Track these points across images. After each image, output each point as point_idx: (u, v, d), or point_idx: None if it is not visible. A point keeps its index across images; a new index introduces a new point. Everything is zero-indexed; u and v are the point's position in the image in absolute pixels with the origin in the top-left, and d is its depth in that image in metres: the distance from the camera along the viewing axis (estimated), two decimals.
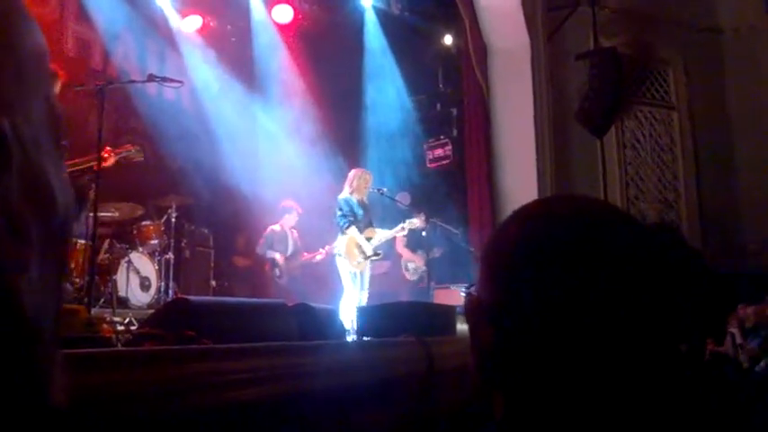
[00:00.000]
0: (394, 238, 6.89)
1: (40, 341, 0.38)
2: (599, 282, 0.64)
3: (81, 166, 4.47)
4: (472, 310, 0.73)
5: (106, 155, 4.59)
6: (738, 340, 6.07)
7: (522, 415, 0.68)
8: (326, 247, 6.95)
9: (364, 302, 6.04)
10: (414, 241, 7.31)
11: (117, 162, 4.69)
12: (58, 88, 4.06)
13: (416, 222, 6.39)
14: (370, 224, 6.33)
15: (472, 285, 0.79)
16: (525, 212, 0.74)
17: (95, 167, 4.49)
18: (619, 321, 0.64)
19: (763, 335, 5.96)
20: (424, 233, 6.64)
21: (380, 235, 6.33)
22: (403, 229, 6.40)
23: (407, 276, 7.55)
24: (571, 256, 0.66)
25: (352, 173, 6.41)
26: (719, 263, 7.03)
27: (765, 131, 8.04)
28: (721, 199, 7.84)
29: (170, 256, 6.01)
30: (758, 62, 8.14)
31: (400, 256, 7.63)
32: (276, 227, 7.15)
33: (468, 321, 0.74)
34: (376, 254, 6.27)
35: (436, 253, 7.26)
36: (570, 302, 0.64)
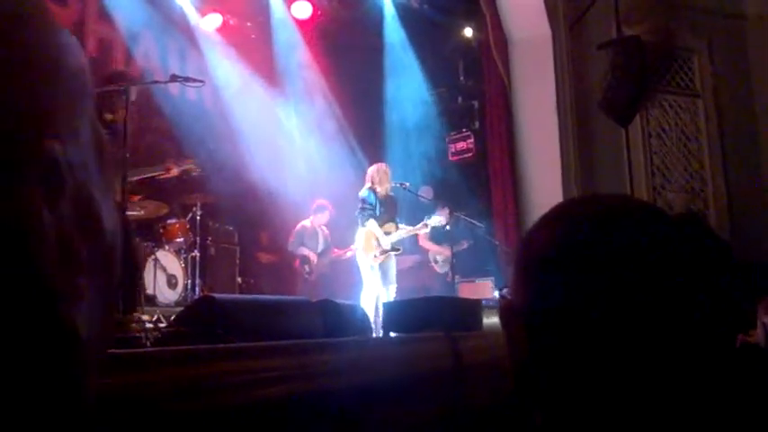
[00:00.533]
0: (416, 234, 6.89)
1: (89, 368, 0.40)
2: (631, 284, 0.63)
3: (145, 175, 4.82)
4: (507, 314, 0.72)
5: (171, 166, 5.01)
6: None
7: (561, 423, 0.67)
8: (352, 248, 6.98)
9: (391, 297, 6.04)
10: (438, 235, 7.30)
11: (179, 175, 5.05)
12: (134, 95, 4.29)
13: (438, 219, 6.39)
14: (392, 219, 6.33)
15: (505, 287, 0.78)
16: (556, 214, 0.73)
17: (161, 176, 4.99)
18: (653, 322, 0.63)
19: None
20: (448, 227, 6.63)
21: (402, 231, 6.32)
22: (426, 226, 6.40)
23: (437, 269, 7.54)
24: (602, 257, 0.65)
25: (372, 168, 6.41)
26: (747, 252, 6.92)
27: None
28: (749, 187, 7.70)
29: (196, 253, 6.06)
30: None
31: (426, 251, 7.63)
32: (307, 222, 7.18)
33: (503, 326, 0.72)
34: (395, 249, 6.25)
35: (464, 245, 7.24)
36: (602, 306, 0.63)
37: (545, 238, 0.71)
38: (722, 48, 7.86)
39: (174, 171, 5.00)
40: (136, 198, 4.98)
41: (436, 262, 7.55)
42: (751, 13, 8.00)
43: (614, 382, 0.63)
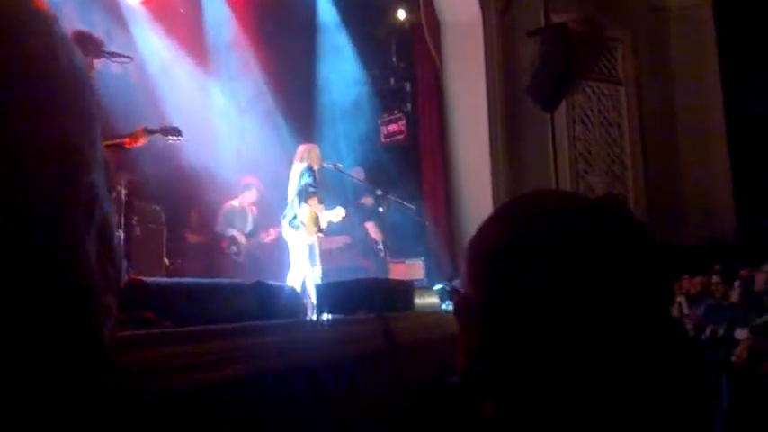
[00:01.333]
0: (365, 228, 6.86)
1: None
2: (570, 272, 0.66)
3: (108, 143, 4.42)
4: (461, 306, 0.74)
5: (138, 133, 4.65)
6: (685, 310, 6.32)
7: (511, 412, 0.70)
8: (277, 228, 6.90)
9: (318, 279, 6.03)
10: (373, 217, 7.31)
11: (148, 143, 4.71)
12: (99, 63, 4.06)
13: (344, 213, 6.33)
14: (321, 200, 6.28)
15: (453, 280, 0.81)
16: (503, 212, 0.76)
17: (124, 143, 4.62)
18: (599, 309, 0.66)
19: (708, 303, 6.22)
20: (381, 209, 6.66)
21: (325, 215, 6.25)
22: (337, 216, 6.30)
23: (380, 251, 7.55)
24: (544, 250, 0.68)
25: (302, 147, 6.31)
26: (664, 234, 7.28)
27: (708, 106, 8.31)
28: (667, 172, 8.10)
29: (121, 233, 5.87)
30: (702, 39, 8.37)
31: (374, 239, 7.60)
32: (235, 202, 7.06)
33: (457, 318, 0.75)
34: (321, 230, 6.20)
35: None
36: (546, 295, 0.66)
37: (494, 233, 0.73)
38: (646, 38, 8.19)
39: (143, 140, 4.67)
40: None
41: (381, 250, 7.58)
42: (674, 5, 8.36)
43: (561, 368, 0.66)
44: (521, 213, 0.75)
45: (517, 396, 0.69)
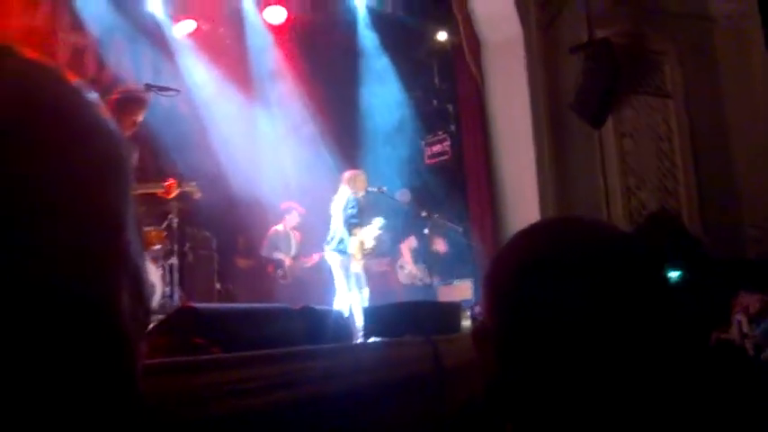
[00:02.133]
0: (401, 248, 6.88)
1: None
2: (599, 305, 0.65)
3: (144, 191, 4.84)
4: (478, 336, 0.74)
5: (170, 187, 5.06)
6: (745, 328, 6.08)
7: None
8: (320, 253, 6.98)
9: (365, 302, 6.04)
10: (420, 252, 7.31)
11: (178, 195, 5.09)
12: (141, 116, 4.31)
13: (383, 221, 6.38)
14: (367, 224, 6.33)
15: (477, 306, 0.81)
16: (523, 238, 0.75)
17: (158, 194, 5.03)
18: (620, 344, 0.65)
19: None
20: (426, 231, 6.65)
21: (367, 234, 6.29)
22: (377, 230, 6.35)
23: (400, 277, 7.54)
24: (569, 280, 0.67)
25: (347, 174, 6.37)
26: (720, 249, 7.04)
27: (760, 116, 8.05)
28: (720, 185, 7.85)
29: (173, 260, 5.99)
30: (749, 47, 8.14)
31: (401, 254, 7.63)
32: (279, 227, 7.16)
33: (475, 347, 0.74)
34: (370, 250, 6.26)
35: (443, 247, 7.25)
36: (570, 327, 0.65)
37: (510, 262, 0.72)
38: (691, 49, 8.01)
39: (175, 192, 5.06)
40: None
41: (402, 268, 7.56)
42: (717, 14, 8.17)
43: (583, 397, 0.65)
44: (536, 240, 0.74)
45: (534, 421, 0.68)
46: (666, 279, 0.71)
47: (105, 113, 0.49)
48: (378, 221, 6.36)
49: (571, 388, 0.66)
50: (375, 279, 6.98)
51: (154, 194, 5.03)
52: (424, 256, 7.29)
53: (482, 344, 0.73)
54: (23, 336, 0.41)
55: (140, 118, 4.34)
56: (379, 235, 6.44)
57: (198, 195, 5.45)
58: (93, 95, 0.49)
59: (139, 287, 0.50)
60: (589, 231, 0.73)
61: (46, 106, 0.45)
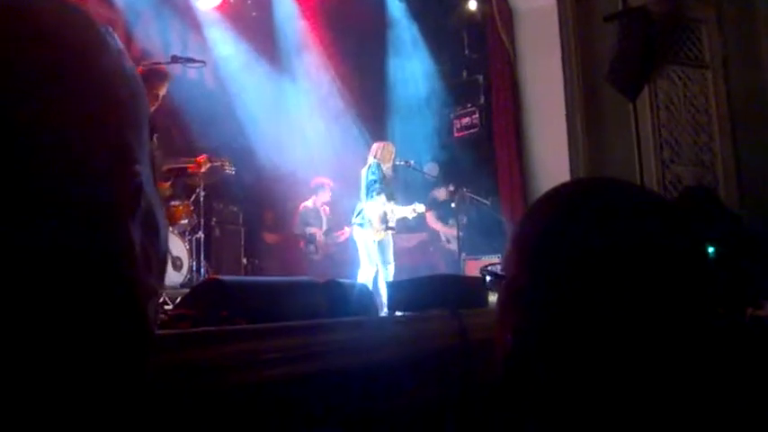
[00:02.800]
0: (424, 216, 6.86)
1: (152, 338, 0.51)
2: (631, 268, 0.64)
3: (175, 165, 4.95)
4: (506, 293, 0.72)
5: (201, 161, 5.15)
6: None
7: (555, 402, 0.68)
8: (350, 227, 6.96)
9: (390, 277, 6.01)
10: (446, 214, 7.26)
11: (209, 170, 5.20)
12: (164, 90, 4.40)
13: (422, 207, 6.34)
14: (392, 198, 6.28)
15: (489, 265, 0.78)
16: (556, 196, 0.73)
17: (188, 168, 5.15)
18: (653, 307, 0.63)
19: None
20: (453, 204, 6.58)
21: (397, 212, 6.26)
22: (414, 211, 6.31)
23: (450, 247, 7.50)
24: (603, 242, 0.65)
25: (376, 145, 6.35)
26: (758, 225, 6.85)
27: None
28: (759, 161, 7.61)
29: (200, 235, 6.04)
30: None
31: (436, 230, 7.59)
32: (309, 203, 7.16)
33: (499, 301, 0.73)
34: (392, 228, 6.20)
35: (463, 220, 7.19)
36: (604, 289, 0.64)
37: (545, 218, 0.71)
38: (731, 17, 7.72)
39: (206, 166, 5.14)
40: None
41: (448, 241, 7.51)
42: None
43: (612, 359, 0.64)
44: (571, 198, 0.72)
45: (566, 374, 0.66)
46: (700, 248, 0.69)
47: (127, 60, 0.51)
48: (419, 207, 6.32)
49: (602, 348, 0.64)
50: (409, 254, 6.95)
51: (185, 169, 5.07)
52: (447, 212, 7.24)
53: (508, 300, 0.72)
54: (28, 281, 0.41)
55: (163, 92, 4.37)
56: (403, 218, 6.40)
57: (231, 170, 5.50)
58: (116, 42, 0.51)
59: (151, 229, 0.50)
60: (624, 191, 0.71)
61: (73, 47, 0.47)
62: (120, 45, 0.51)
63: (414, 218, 6.56)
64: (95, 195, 0.44)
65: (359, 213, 6.12)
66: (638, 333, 0.63)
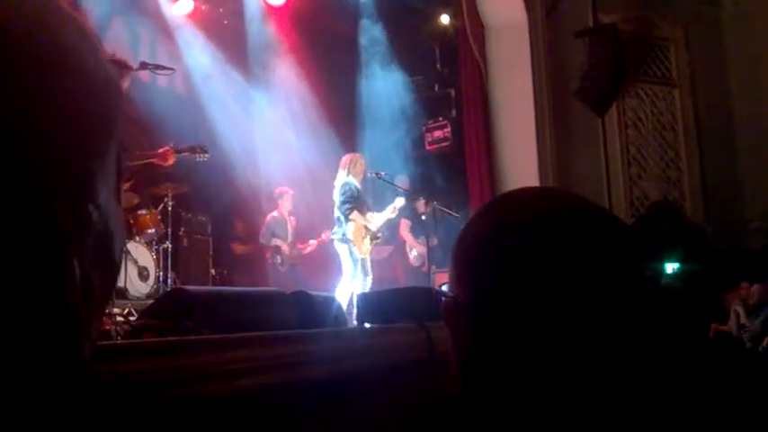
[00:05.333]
0: (398, 223, 6.85)
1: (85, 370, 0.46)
2: (573, 279, 0.63)
3: (137, 162, 4.56)
4: (449, 310, 0.71)
5: (168, 153, 4.69)
6: (743, 319, 6.02)
7: (506, 415, 0.67)
8: (317, 239, 6.94)
9: (368, 288, 5.98)
10: (415, 226, 7.26)
11: (178, 162, 4.82)
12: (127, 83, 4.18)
13: (402, 201, 6.36)
14: (368, 209, 6.27)
15: (442, 285, 0.78)
16: (491, 210, 0.73)
17: (154, 163, 4.67)
18: (596, 322, 0.63)
19: (766, 313, 5.92)
20: (423, 217, 6.58)
21: (377, 219, 6.25)
22: (395, 209, 6.33)
23: (411, 261, 7.49)
24: (543, 254, 0.64)
25: (347, 157, 6.31)
26: (722, 240, 6.98)
27: (767, 106, 7.95)
28: (724, 176, 7.77)
29: (168, 245, 5.94)
30: (758, 36, 8.03)
31: (404, 241, 7.58)
32: (275, 213, 7.10)
33: (446, 323, 0.72)
34: (376, 237, 6.21)
35: (434, 241, 7.21)
36: (547, 302, 0.63)
37: (481, 233, 0.70)
38: (698, 36, 7.90)
39: (173, 158, 4.71)
40: None
41: (412, 254, 7.51)
42: (726, 0, 8.05)
43: (562, 374, 0.63)
44: (496, 212, 0.72)
45: (512, 391, 0.66)
46: (637, 263, 0.67)
47: (105, 62, 0.47)
48: (398, 201, 6.31)
49: (544, 360, 0.64)
50: (379, 267, 6.93)
51: (151, 165, 4.77)
52: (416, 226, 7.25)
53: (451, 317, 0.71)
54: None
55: (126, 85, 4.20)
56: (386, 221, 6.40)
57: (204, 156, 5.20)
58: (95, 40, 0.46)
59: (103, 250, 0.45)
60: (556, 203, 0.70)
61: (53, 44, 0.42)
62: (99, 45, 0.47)
63: (388, 227, 6.56)
64: (40, 221, 0.40)
65: (341, 234, 6.09)
66: (579, 344, 0.63)
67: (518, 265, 0.64)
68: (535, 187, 0.83)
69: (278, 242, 6.97)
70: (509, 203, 0.73)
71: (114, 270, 0.49)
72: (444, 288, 4.96)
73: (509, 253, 0.66)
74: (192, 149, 5.03)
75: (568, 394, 0.63)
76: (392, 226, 6.81)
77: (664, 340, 0.67)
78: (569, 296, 0.63)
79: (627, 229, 0.68)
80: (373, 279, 6.29)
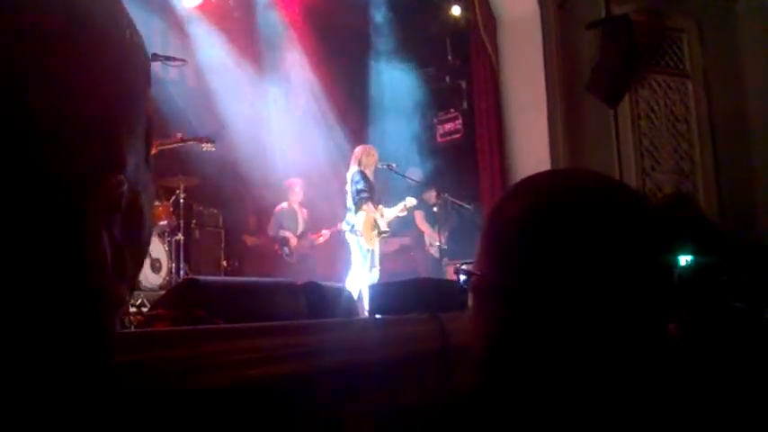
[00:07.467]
0: (413, 213, 6.87)
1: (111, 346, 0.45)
2: (603, 259, 0.62)
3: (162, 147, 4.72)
4: (478, 290, 0.70)
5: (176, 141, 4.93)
6: None
7: (528, 395, 0.66)
8: (330, 229, 6.94)
9: (375, 280, 6.00)
10: (430, 218, 7.27)
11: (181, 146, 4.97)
12: None
13: (413, 201, 6.36)
14: (379, 202, 6.29)
15: (464, 263, 0.77)
16: (524, 188, 0.72)
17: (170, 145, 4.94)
18: (624, 300, 0.63)
19: None
20: (435, 209, 6.58)
21: (387, 214, 6.27)
22: (404, 208, 6.34)
23: (432, 252, 7.49)
24: (573, 232, 0.64)
25: (359, 149, 6.33)
26: (737, 233, 6.92)
27: None
28: (738, 168, 7.70)
29: (180, 236, 5.98)
30: None
31: (422, 232, 7.59)
32: (284, 204, 7.13)
33: (473, 300, 0.71)
34: (385, 231, 6.22)
35: (445, 233, 7.21)
36: (575, 281, 0.62)
37: (515, 211, 0.69)
38: (712, 27, 7.82)
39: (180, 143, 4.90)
40: None
41: (431, 245, 7.51)
42: None
43: (584, 354, 0.63)
44: (536, 191, 0.70)
45: (540, 378, 0.65)
46: (668, 246, 0.67)
47: (139, 37, 0.47)
48: (410, 201, 6.33)
49: (572, 342, 0.63)
50: (390, 258, 6.93)
51: (163, 156, 4.90)
52: (430, 217, 7.24)
53: (482, 296, 0.69)
54: None
55: None
56: (396, 217, 6.41)
57: (211, 148, 5.32)
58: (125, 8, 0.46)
59: (133, 224, 0.44)
60: (591, 182, 0.70)
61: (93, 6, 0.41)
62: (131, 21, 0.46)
63: (400, 219, 6.57)
64: (68, 191, 0.39)
65: (351, 225, 6.12)
66: (605, 330, 0.62)
67: (560, 248, 0.64)
68: (568, 169, 0.83)
69: (286, 233, 7.00)
70: (541, 185, 0.71)
71: (144, 241, 0.48)
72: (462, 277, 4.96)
73: (551, 235, 0.65)
74: (199, 139, 5.17)
75: (597, 386, 0.62)
76: (404, 219, 6.81)
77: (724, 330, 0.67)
78: (609, 282, 0.62)
79: (662, 217, 0.67)
80: (390, 271, 6.31)
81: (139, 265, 0.48)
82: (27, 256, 0.37)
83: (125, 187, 0.42)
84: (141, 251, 0.47)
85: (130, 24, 0.45)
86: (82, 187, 0.39)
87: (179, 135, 4.95)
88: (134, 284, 0.48)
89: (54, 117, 0.37)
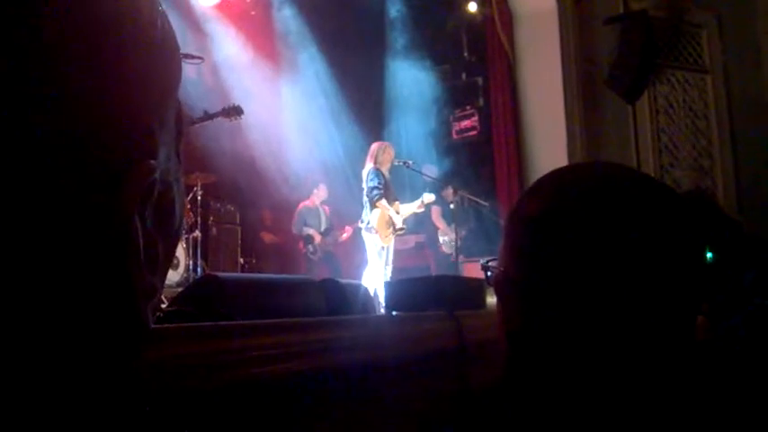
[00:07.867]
0: (430, 209, 6.87)
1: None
2: (630, 255, 0.61)
3: None
4: (500, 284, 0.70)
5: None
6: None
7: (550, 391, 0.65)
8: (352, 225, 6.94)
9: (388, 277, 6.00)
10: (444, 215, 7.26)
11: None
12: None
13: (430, 196, 6.35)
14: (395, 198, 6.29)
15: (490, 260, 0.76)
16: (549, 182, 0.71)
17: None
18: (650, 296, 0.61)
19: None
20: (452, 206, 6.57)
21: (403, 210, 6.27)
22: (422, 204, 6.34)
23: (444, 249, 7.48)
24: (599, 228, 0.62)
25: (375, 146, 6.33)
26: (756, 229, 6.84)
27: None
28: (758, 165, 7.61)
29: (197, 234, 6.02)
30: None
31: (437, 228, 7.58)
32: (308, 202, 7.16)
33: (497, 297, 0.71)
34: (401, 229, 6.22)
35: (462, 231, 7.19)
36: (600, 277, 0.61)
37: (538, 205, 0.68)
38: (731, 22, 7.72)
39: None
40: None
41: (444, 243, 7.50)
42: None
43: (607, 351, 0.62)
44: (560, 185, 0.69)
45: (558, 367, 0.64)
46: (699, 239, 0.66)
47: (170, 25, 0.46)
48: (427, 197, 6.33)
49: (593, 337, 0.62)
50: (406, 255, 6.93)
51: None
52: (447, 214, 7.23)
53: (504, 293, 0.69)
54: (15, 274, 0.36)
55: None
56: (412, 214, 6.41)
57: (238, 118, 5.23)
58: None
59: (165, 218, 0.44)
60: (624, 183, 0.67)
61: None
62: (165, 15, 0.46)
63: (415, 216, 6.57)
64: (103, 184, 0.38)
65: (367, 222, 6.14)
66: (632, 326, 0.61)
67: (584, 243, 0.63)
68: (593, 162, 0.82)
69: (310, 231, 7.02)
70: (566, 178, 0.71)
71: (176, 234, 0.47)
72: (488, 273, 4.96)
73: (576, 231, 0.64)
74: (226, 113, 5.03)
75: (623, 382, 0.61)
76: (420, 216, 6.81)
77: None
78: (640, 276, 0.61)
79: (690, 209, 0.65)
80: (404, 268, 6.31)
81: (170, 258, 0.47)
82: (61, 239, 0.37)
83: (157, 174, 0.42)
84: (173, 243, 0.47)
85: (163, 13, 0.45)
86: (116, 172, 0.39)
87: (203, 111, 4.81)
88: (165, 277, 0.47)
89: (96, 104, 0.37)
